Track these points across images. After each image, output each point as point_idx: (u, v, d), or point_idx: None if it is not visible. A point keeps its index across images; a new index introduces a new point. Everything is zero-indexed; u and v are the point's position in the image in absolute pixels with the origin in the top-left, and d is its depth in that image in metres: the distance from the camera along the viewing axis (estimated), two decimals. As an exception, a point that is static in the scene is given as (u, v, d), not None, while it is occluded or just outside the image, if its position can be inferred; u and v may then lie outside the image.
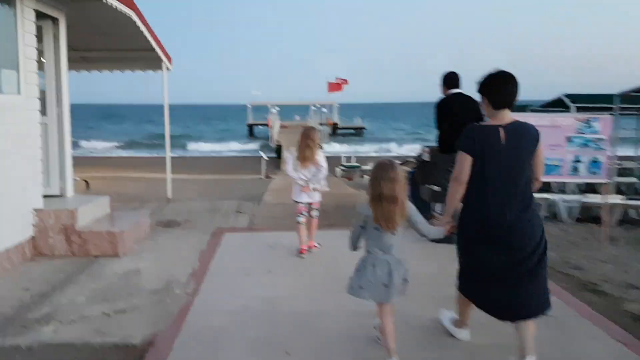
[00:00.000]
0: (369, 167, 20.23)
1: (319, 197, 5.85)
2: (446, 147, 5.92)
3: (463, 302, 3.33)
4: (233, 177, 19.02)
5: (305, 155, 5.56)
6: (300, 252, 5.76)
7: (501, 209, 2.95)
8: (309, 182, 5.69)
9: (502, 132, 2.98)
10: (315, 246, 5.89)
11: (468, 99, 5.98)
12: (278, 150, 31.11)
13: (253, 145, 41.94)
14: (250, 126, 55.18)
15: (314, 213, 5.87)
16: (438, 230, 3.13)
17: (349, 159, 24.56)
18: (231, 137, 53.04)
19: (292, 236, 5.95)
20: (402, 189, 2.89)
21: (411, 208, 3.02)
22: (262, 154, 19.07)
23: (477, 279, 3.12)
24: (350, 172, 19.75)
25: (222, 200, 9.58)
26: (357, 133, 56.25)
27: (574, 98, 13.91)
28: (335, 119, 51.09)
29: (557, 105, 15.09)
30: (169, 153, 9.90)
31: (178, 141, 47.66)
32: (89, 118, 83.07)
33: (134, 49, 8.81)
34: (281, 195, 10.75)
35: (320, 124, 43.24)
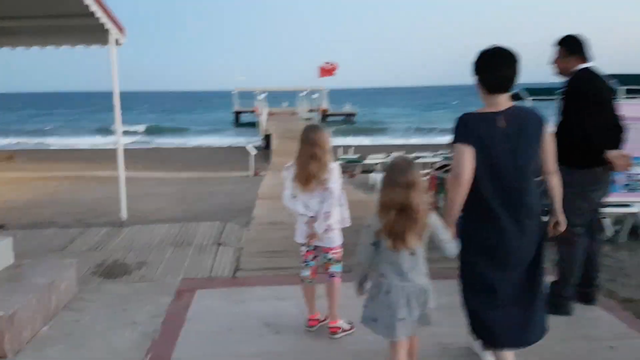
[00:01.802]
0: (373, 160, 17.85)
1: (339, 237, 3.52)
2: (584, 155, 3.51)
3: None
4: (216, 174, 16.57)
5: (309, 172, 3.35)
6: (309, 324, 3.59)
7: (507, 212, 2.55)
8: (317, 217, 3.40)
9: (501, 120, 2.56)
10: (336, 329, 3.52)
11: (606, 78, 3.66)
12: (267, 139, 28.68)
13: (239, 135, 39.38)
14: (237, 113, 52.49)
15: (333, 267, 3.53)
16: (455, 245, 2.52)
17: (347, 149, 22.16)
18: (216, 126, 50.37)
19: (300, 292, 3.62)
20: (420, 196, 2.33)
21: (436, 222, 2.44)
22: (250, 147, 16.57)
23: (478, 298, 2.69)
24: (351, 167, 17.33)
25: (197, 221, 7.15)
26: (348, 119, 53.91)
27: (625, 79, 11.63)
28: (325, 105, 48.55)
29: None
30: (121, 162, 7.39)
31: (155, 131, 45.04)
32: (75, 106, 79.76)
33: (69, 15, 6.33)
34: (276, 206, 8.36)
35: (311, 111, 40.72)
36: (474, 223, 2.62)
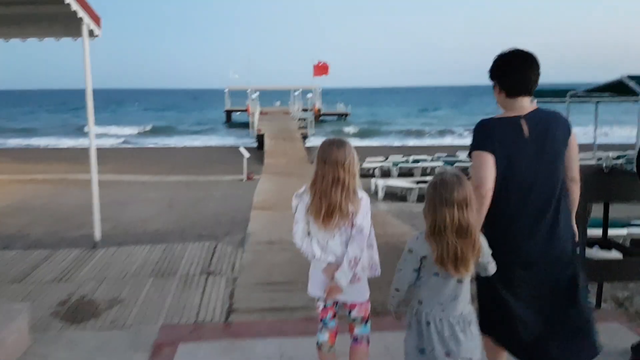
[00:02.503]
0: (371, 164, 17.00)
1: (367, 290, 2.68)
2: None
3: (491, 349, 2.56)
4: (207, 178, 15.63)
5: (330, 202, 2.53)
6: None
7: (533, 224, 2.35)
8: (340, 264, 2.57)
9: (524, 124, 2.38)
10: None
11: None
12: (259, 139, 27.76)
13: (231, 135, 38.39)
14: (228, 112, 51.44)
15: (360, 330, 2.68)
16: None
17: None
18: (207, 125, 49.29)
19: (311, 347, 2.74)
20: (474, 215, 2.09)
21: (484, 242, 2.19)
22: (243, 150, 15.63)
23: (504, 316, 2.43)
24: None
25: (183, 241, 6.26)
26: (341, 119, 53.04)
27: (644, 80, 10.88)
28: (318, 104, 47.65)
29: (615, 89, 12.17)
30: (94, 169, 6.46)
31: (151, 131, 43.84)
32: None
33: (35, 1, 5.40)
34: (274, 219, 7.49)
35: (304, 110, 39.76)
36: (494, 241, 2.28)
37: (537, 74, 2.43)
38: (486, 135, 2.38)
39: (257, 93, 39.07)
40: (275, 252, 5.67)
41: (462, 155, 21.11)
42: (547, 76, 3.38)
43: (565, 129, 2.43)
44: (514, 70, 2.42)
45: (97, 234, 6.13)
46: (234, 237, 6.52)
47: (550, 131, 2.39)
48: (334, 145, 2.59)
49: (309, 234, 2.65)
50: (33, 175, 15.64)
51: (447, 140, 34.71)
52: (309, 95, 37.79)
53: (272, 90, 51.82)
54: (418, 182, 10.73)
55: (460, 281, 2.17)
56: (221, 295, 4.36)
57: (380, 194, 11.00)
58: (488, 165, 2.32)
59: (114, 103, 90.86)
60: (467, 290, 2.21)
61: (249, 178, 14.90)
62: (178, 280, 4.70)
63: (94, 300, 4.23)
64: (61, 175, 15.68)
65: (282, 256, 5.42)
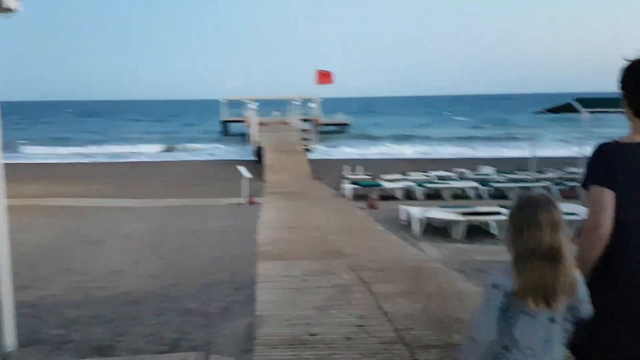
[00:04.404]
0: (391, 183, 14.83)
1: None
2: None
3: None
4: (202, 201, 13.44)
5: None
6: None
7: None
8: None
9: None
10: None
11: None
12: (258, 153, 25.65)
13: (228, 147, 36.24)
14: (225, 123, 49.38)
15: None
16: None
17: (354, 167, 19.15)
18: (203, 137, 47.15)
19: None
20: (566, 240, 1.86)
21: (579, 275, 1.91)
22: (242, 170, 13.43)
23: None
24: (367, 191, 14.25)
25: (159, 324, 4.06)
26: (341, 130, 51.10)
27: None
28: (319, 114, 45.64)
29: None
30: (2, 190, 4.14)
31: (136, 141, 41.49)
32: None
33: None
34: (293, 282, 5.30)
35: (304, 120, 37.63)
36: (604, 291, 1.98)
37: None
38: (605, 165, 1.99)
39: (256, 103, 36.99)
40: (307, 352, 3.48)
41: (485, 170, 19.09)
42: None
43: None
44: None
45: (9, 341, 3.72)
46: (234, 323, 4.34)
47: None
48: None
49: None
50: None
51: (458, 151, 32.61)
52: (311, 104, 35.63)
53: (270, 100, 49.96)
54: (465, 214, 8.60)
55: (552, 320, 1.88)
56: None
57: (418, 229, 8.84)
58: (606, 203, 1.96)
59: (101, 115, 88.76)
60: (560, 331, 1.92)
61: (250, 202, 12.72)
62: None
63: None
64: (33, 201, 13.42)
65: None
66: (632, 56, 2.06)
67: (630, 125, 2.08)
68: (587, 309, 1.95)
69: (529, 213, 1.89)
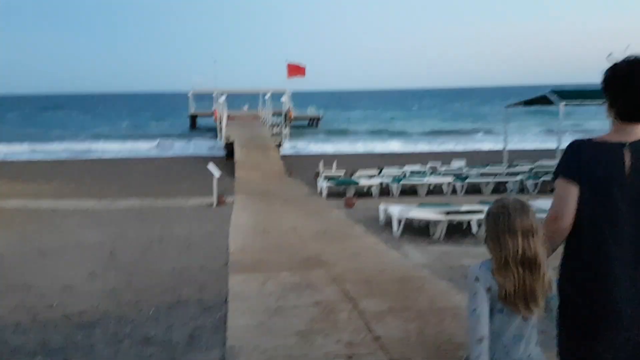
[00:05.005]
0: (366, 179, 14.31)
1: None
2: None
3: None
4: (167, 202, 12.65)
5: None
6: None
7: (627, 282, 2.00)
8: None
9: (626, 155, 1.99)
10: None
11: None
12: (228, 148, 24.81)
13: (197, 143, 35.12)
14: (193, 117, 48.05)
15: None
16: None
17: (327, 163, 18.56)
18: (170, 132, 45.77)
19: None
20: (542, 245, 1.91)
21: (551, 279, 1.96)
22: (212, 168, 12.66)
23: None
24: (344, 189, 13.69)
25: (121, 350, 3.42)
26: (313, 124, 50.46)
27: None
28: (290, 108, 44.83)
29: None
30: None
31: (101, 137, 39.86)
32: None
33: None
34: (270, 303, 4.70)
35: (275, 114, 36.79)
36: (573, 285, 2.08)
37: None
38: (574, 160, 2.06)
39: (225, 96, 35.97)
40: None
41: (458, 164, 18.80)
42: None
43: None
44: (633, 91, 1.97)
45: None
46: (201, 356, 3.70)
47: None
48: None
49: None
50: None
51: (430, 145, 32.42)
52: (283, 98, 34.79)
53: (240, 93, 48.86)
54: (448, 213, 8.14)
55: (526, 320, 1.95)
56: None
57: (397, 229, 8.34)
58: (569, 197, 2.04)
59: (55, 108, 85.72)
60: (534, 329, 2.00)
61: (220, 202, 12.02)
62: None
63: None
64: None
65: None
66: (617, 58, 2.05)
67: (610, 125, 2.08)
68: (554, 302, 2.08)
69: (504, 221, 1.92)
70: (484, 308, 1.91)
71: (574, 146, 2.09)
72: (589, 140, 2.08)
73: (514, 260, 1.87)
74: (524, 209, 1.92)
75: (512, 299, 1.87)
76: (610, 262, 2.00)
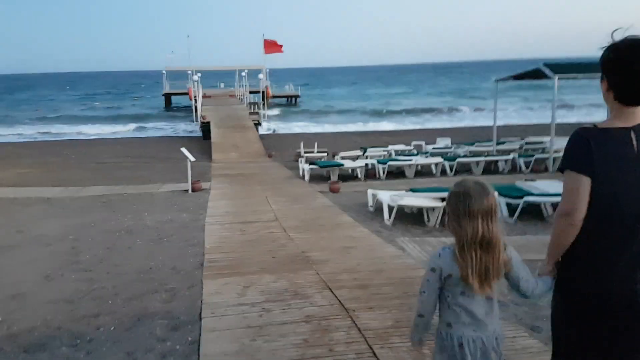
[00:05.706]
0: (350, 161, 13.57)
1: None
2: None
3: None
4: (138, 189, 11.73)
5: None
6: None
7: (633, 271, 1.95)
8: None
9: (634, 138, 1.95)
10: None
11: None
12: (205, 128, 23.81)
13: (171, 123, 33.89)
14: (168, 96, 46.49)
15: None
16: (544, 283, 2.12)
17: (308, 143, 17.73)
18: (143, 111, 44.21)
19: None
20: (498, 225, 2.01)
21: (515, 255, 2.08)
22: (186, 152, 11.75)
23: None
24: (327, 172, 12.92)
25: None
26: (291, 102, 49.38)
27: None
28: (268, 86, 43.54)
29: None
30: None
31: (67, 118, 38.13)
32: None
33: None
34: (253, 318, 3.97)
35: (252, 92, 35.60)
36: (577, 274, 2.03)
37: None
38: (583, 151, 1.97)
39: (199, 74, 34.60)
40: None
41: (443, 142, 18.20)
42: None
43: None
44: (633, 72, 1.89)
45: None
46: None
47: None
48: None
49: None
50: None
51: (414, 122, 31.80)
52: (260, 75, 33.59)
53: (216, 70, 47.36)
54: (444, 199, 7.51)
55: (488, 297, 2.05)
56: None
57: (389, 217, 7.67)
58: (581, 191, 1.97)
59: (33, 89, 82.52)
60: (497, 306, 2.10)
61: (195, 188, 11.17)
62: None
63: None
64: None
65: None
66: (617, 37, 1.97)
67: (609, 109, 2.06)
68: (531, 285, 2.07)
69: (464, 203, 1.98)
70: (431, 294, 2.06)
71: (582, 136, 1.99)
72: (595, 127, 2.01)
73: (474, 242, 1.96)
74: (485, 191, 1.98)
75: (471, 279, 1.97)
76: (621, 253, 1.95)
